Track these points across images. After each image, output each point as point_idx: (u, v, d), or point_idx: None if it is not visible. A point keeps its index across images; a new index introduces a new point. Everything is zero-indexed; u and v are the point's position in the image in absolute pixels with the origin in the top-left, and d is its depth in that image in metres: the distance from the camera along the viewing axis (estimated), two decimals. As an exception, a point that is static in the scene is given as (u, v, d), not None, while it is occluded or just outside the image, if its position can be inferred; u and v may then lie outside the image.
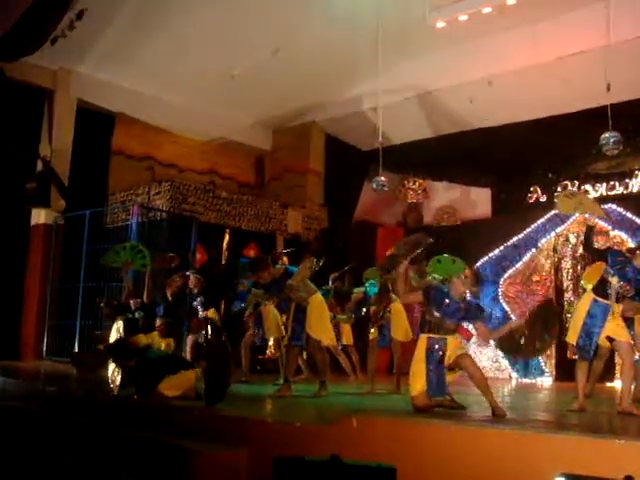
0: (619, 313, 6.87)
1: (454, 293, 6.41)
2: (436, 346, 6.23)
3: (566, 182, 13.48)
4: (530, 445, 4.47)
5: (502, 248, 13.21)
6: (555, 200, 7.76)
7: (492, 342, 12.31)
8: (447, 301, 6.35)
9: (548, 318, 7.08)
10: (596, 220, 7.52)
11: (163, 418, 6.54)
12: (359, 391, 9.08)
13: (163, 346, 8.87)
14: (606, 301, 6.82)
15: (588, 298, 6.96)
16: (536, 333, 6.80)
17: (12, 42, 11.08)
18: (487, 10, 11.18)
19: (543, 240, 12.94)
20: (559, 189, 13.53)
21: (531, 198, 13.95)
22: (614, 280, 6.85)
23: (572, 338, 6.96)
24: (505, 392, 10.42)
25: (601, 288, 6.92)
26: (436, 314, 6.31)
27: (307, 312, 8.17)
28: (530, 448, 4.43)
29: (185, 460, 5.39)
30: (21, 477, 6.07)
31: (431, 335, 6.31)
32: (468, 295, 7.05)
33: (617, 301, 6.84)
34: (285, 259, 10.40)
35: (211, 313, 10.44)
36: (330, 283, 10.88)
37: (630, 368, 6.76)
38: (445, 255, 8.25)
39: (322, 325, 8.28)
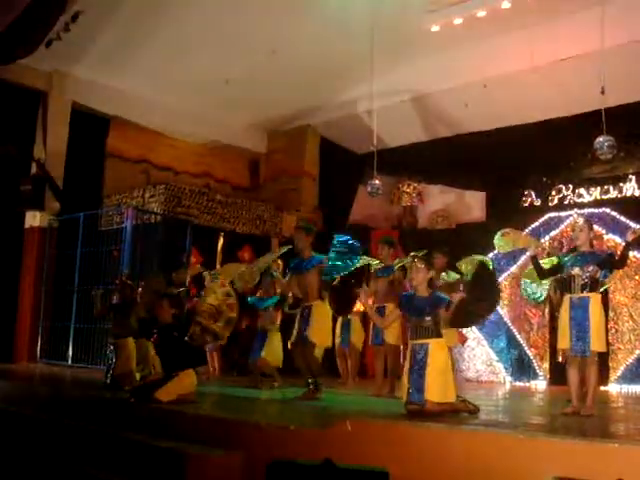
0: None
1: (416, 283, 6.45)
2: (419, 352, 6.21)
3: (560, 186, 13.51)
4: (523, 449, 4.47)
5: (496, 252, 13.20)
6: (495, 241, 7.86)
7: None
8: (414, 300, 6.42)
9: (482, 278, 7.11)
10: (537, 249, 7.72)
11: (158, 421, 6.54)
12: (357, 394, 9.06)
13: None
14: (581, 294, 6.85)
15: (566, 300, 6.99)
16: (478, 294, 6.81)
17: (7, 44, 11.06)
18: (482, 14, 11.21)
19: (538, 244, 12.95)
20: (553, 193, 13.57)
21: (525, 202, 13.97)
22: (577, 270, 6.91)
23: (563, 343, 6.96)
24: (499, 395, 10.45)
25: (571, 287, 6.97)
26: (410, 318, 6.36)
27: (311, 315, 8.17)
28: (523, 452, 4.44)
29: (179, 463, 5.38)
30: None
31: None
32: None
33: (593, 290, 6.88)
34: (280, 262, 10.42)
35: None
36: None
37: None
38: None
39: (323, 329, 8.28)
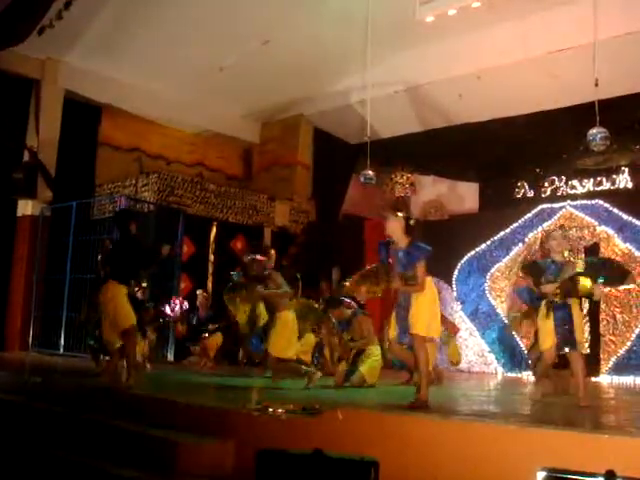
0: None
1: None
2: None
3: (553, 177, 13.54)
4: (513, 439, 4.49)
5: (489, 243, 13.25)
6: None
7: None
8: None
9: None
10: None
11: (149, 410, 6.54)
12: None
13: None
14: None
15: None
16: None
17: (-1, 31, 11.04)
18: (476, 4, 11.15)
19: (530, 235, 12.98)
20: (546, 184, 13.60)
21: (518, 193, 14.00)
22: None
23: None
24: (491, 386, 10.47)
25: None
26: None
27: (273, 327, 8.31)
28: (513, 442, 4.45)
29: (171, 451, 5.39)
30: (6, 468, 6.06)
31: None
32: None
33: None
34: (272, 252, 10.40)
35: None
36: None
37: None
38: None
39: (284, 342, 8.29)
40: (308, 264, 14.23)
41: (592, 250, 12.11)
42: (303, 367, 8.59)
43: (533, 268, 7.72)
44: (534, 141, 13.23)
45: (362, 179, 11.94)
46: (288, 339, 8.30)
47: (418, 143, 14.99)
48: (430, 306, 6.21)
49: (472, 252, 13.35)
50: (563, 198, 13.19)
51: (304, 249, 14.94)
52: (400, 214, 6.48)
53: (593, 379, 11.40)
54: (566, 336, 6.81)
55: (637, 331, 11.92)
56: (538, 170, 13.83)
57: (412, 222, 6.49)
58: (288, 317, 8.32)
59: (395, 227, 6.38)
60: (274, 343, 8.19)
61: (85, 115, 14.14)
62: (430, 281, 6.29)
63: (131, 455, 5.62)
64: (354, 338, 9.04)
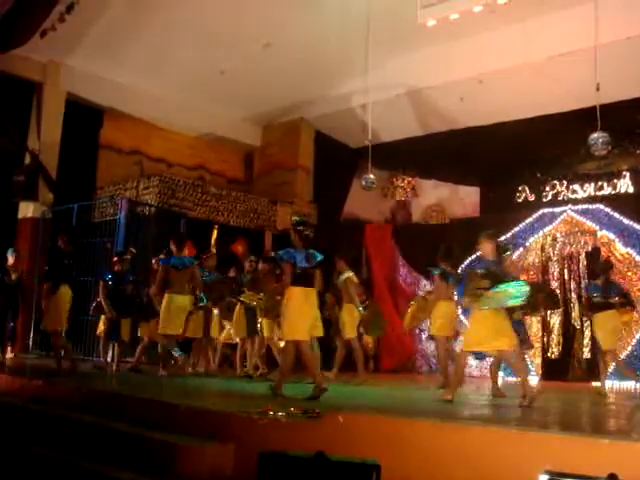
0: None
1: None
2: None
3: (554, 182, 13.53)
4: (515, 443, 4.47)
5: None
6: None
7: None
8: None
9: None
10: None
11: (149, 413, 6.53)
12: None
13: None
14: None
15: None
16: None
17: (1, 34, 11.02)
18: (478, 9, 11.14)
19: (531, 239, 12.97)
20: (547, 188, 13.59)
21: (519, 197, 14.00)
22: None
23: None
24: (491, 390, 10.43)
25: None
26: None
27: None
28: (515, 445, 4.44)
29: (170, 454, 5.37)
30: (4, 470, 6.05)
31: None
32: None
33: None
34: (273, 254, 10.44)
35: None
36: None
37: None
38: None
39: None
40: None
41: (593, 255, 12.09)
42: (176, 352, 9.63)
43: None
44: (535, 145, 13.23)
45: (363, 183, 11.94)
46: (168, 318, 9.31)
47: (419, 147, 15.00)
48: (293, 311, 7.00)
49: (473, 256, 13.30)
50: (564, 202, 13.19)
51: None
52: (298, 226, 7.26)
53: (594, 384, 11.38)
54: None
55: (638, 336, 11.90)
56: (539, 174, 13.83)
57: (307, 233, 7.22)
58: (169, 299, 9.30)
59: (293, 237, 7.20)
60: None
61: (87, 118, 14.16)
62: (295, 290, 7.02)
63: (130, 458, 5.61)
64: None
